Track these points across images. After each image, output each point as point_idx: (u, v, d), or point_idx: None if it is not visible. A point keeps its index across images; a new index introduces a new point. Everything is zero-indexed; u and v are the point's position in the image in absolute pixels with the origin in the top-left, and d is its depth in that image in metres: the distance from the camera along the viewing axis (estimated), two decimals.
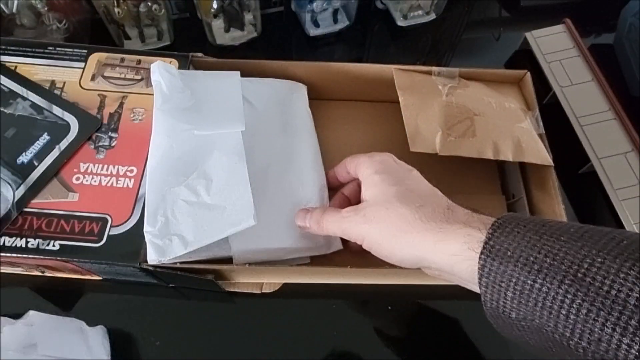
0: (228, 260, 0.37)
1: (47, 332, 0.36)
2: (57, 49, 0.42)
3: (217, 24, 0.54)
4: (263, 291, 0.42)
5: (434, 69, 0.45)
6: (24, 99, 0.39)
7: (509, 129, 0.42)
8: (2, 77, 0.40)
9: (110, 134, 0.39)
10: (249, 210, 0.34)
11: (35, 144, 0.38)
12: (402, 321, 0.44)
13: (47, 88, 0.40)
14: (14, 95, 0.39)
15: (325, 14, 0.58)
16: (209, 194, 0.36)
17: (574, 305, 0.22)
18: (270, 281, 0.42)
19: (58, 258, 0.35)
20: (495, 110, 0.43)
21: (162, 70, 0.39)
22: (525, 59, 0.57)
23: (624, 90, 0.54)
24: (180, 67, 0.42)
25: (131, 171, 0.38)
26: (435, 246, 0.29)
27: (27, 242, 0.35)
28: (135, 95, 0.41)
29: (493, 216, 0.29)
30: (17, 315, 0.37)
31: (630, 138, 0.49)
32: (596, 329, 0.21)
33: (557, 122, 0.49)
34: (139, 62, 0.42)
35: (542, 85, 0.53)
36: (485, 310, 0.27)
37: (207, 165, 0.37)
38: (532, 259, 0.24)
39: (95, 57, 0.42)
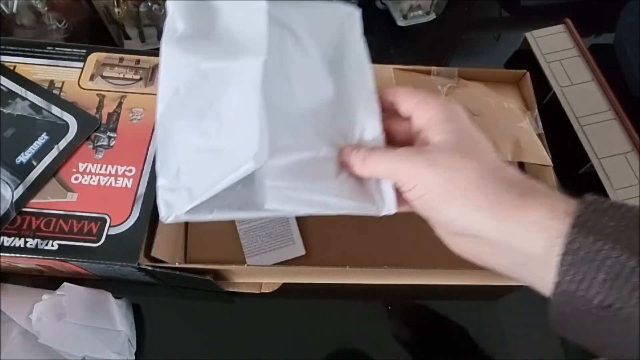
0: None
1: (75, 301, 0.37)
2: (56, 48, 0.42)
3: None
4: (262, 291, 0.42)
5: (433, 68, 0.45)
6: (23, 98, 0.39)
7: (508, 129, 0.42)
8: (1, 77, 0.40)
9: (109, 133, 0.39)
10: (251, 150, 0.27)
11: (34, 144, 0.38)
12: (402, 321, 0.44)
13: (46, 88, 0.40)
14: (12, 95, 0.39)
15: None
16: (219, 138, 0.30)
17: None
18: (269, 281, 0.42)
19: (57, 258, 0.35)
20: (494, 110, 0.43)
21: None
22: (525, 59, 0.57)
23: (624, 90, 0.54)
24: None
25: (130, 171, 0.38)
26: (510, 212, 0.25)
27: (25, 242, 0.35)
28: (134, 95, 0.41)
29: None
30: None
31: (630, 138, 0.49)
32: None
33: (557, 122, 0.49)
34: (137, 62, 0.42)
35: (542, 85, 0.53)
36: (551, 293, 0.23)
37: (220, 104, 0.30)
38: (637, 239, 0.21)
39: (94, 57, 0.42)
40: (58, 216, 0.36)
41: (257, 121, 0.28)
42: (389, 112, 0.33)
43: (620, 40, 0.58)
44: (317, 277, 0.42)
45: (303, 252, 0.41)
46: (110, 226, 0.36)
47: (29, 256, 0.35)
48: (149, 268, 0.35)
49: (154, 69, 0.42)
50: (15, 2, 0.47)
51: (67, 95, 0.40)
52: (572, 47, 0.55)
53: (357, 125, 0.33)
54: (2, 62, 0.41)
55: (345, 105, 0.34)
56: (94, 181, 0.37)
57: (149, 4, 0.50)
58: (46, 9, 0.48)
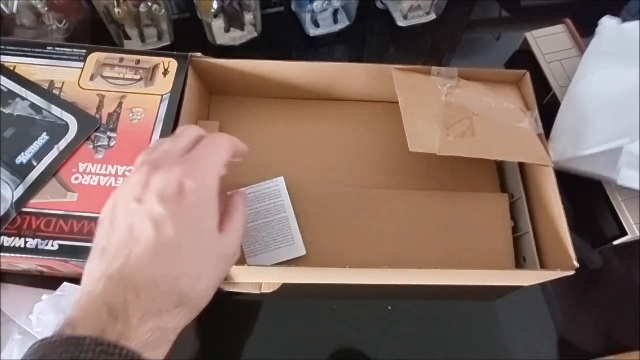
0: None
1: None
2: (56, 48, 0.42)
3: (217, 24, 0.54)
4: (262, 291, 0.42)
5: (433, 68, 0.45)
6: (23, 98, 0.39)
7: (508, 129, 0.42)
8: (1, 76, 0.40)
9: (108, 133, 0.39)
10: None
11: (34, 144, 0.38)
12: (402, 321, 0.44)
13: (46, 88, 0.40)
14: (12, 95, 0.39)
15: (325, 14, 0.58)
16: None
17: None
18: (269, 281, 0.42)
19: (57, 258, 0.35)
20: (494, 110, 0.43)
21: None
22: (525, 59, 0.57)
23: None
24: (178, 67, 0.42)
25: (130, 171, 0.38)
26: None
27: (25, 242, 0.35)
28: (133, 95, 0.41)
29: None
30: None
31: None
32: None
33: None
34: (137, 62, 0.42)
35: (542, 85, 0.53)
36: None
37: None
38: None
39: (94, 57, 0.42)
40: (58, 216, 0.36)
41: None
42: None
43: None
44: (317, 277, 0.42)
45: (303, 252, 0.41)
46: None
47: (29, 256, 0.35)
48: None
49: (154, 69, 0.42)
50: (15, 2, 0.47)
51: (67, 95, 0.40)
52: (572, 47, 0.55)
53: None
54: (2, 62, 0.41)
55: None
56: (94, 181, 0.37)
57: (149, 4, 0.50)
58: (46, 9, 0.48)
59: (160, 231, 0.27)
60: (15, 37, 0.48)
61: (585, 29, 0.56)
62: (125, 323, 0.24)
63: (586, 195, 0.49)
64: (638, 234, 0.45)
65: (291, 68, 0.45)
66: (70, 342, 0.23)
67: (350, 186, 0.46)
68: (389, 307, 0.44)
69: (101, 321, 0.24)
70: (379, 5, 0.61)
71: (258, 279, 0.42)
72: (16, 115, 0.39)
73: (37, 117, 0.39)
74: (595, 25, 0.49)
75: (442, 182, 0.47)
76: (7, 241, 0.35)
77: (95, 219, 0.36)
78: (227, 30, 0.55)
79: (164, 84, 0.41)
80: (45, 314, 0.37)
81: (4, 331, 0.38)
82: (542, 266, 0.41)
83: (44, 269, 0.39)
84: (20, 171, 0.37)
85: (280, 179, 0.42)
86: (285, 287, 0.42)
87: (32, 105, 0.39)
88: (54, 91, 0.40)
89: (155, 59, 0.42)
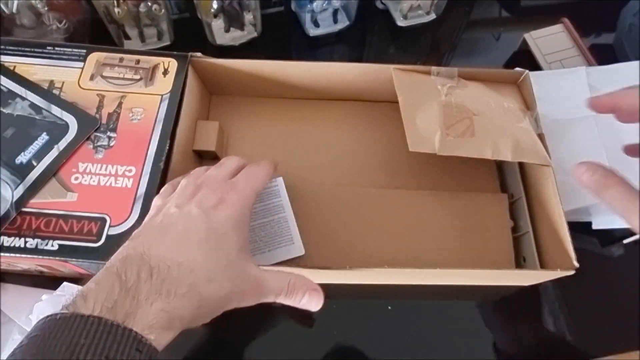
0: None
1: None
2: (56, 48, 0.42)
3: (217, 24, 0.54)
4: None
5: (433, 68, 0.45)
6: (23, 98, 0.39)
7: (508, 129, 0.42)
8: (1, 76, 0.40)
9: (108, 133, 0.39)
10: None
11: (34, 144, 0.38)
12: (402, 321, 0.44)
13: (46, 88, 0.40)
14: (12, 95, 0.39)
15: (325, 14, 0.58)
16: None
17: None
18: None
19: (57, 258, 0.35)
20: (494, 110, 0.43)
21: None
22: (525, 59, 0.57)
23: None
24: (178, 67, 0.42)
25: (130, 171, 0.38)
26: None
27: (25, 242, 0.35)
28: (134, 95, 0.41)
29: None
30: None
31: None
32: None
33: None
34: (137, 62, 0.42)
35: None
36: None
37: None
38: None
39: (94, 57, 0.42)
40: (58, 216, 0.36)
41: None
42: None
43: (620, 40, 0.58)
44: (317, 277, 0.42)
45: (302, 252, 0.41)
46: (110, 226, 0.36)
47: (29, 256, 0.35)
48: None
49: (154, 69, 0.42)
50: (15, 2, 0.47)
51: (67, 95, 0.40)
52: (572, 46, 0.55)
53: None
54: (2, 62, 0.41)
55: None
56: (94, 181, 0.37)
57: (149, 4, 0.50)
58: (46, 9, 0.48)
59: (189, 226, 0.30)
60: (15, 37, 0.48)
61: (585, 29, 0.56)
62: (134, 298, 0.25)
63: None
64: None
65: (291, 68, 0.45)
66: (74, 321, 0.24)
67: (350, 186, 0.46)
68: (389, 307, 0.44)
69: (112, 294, 0.25)
70: (379, 5, 0.61)
71: None
72: (16, 115, 0.39)
73: (37, 117, 0.39)
74: (595, 25, 0.49)
75: (442, 182, 0.47)
76: (7, 241, 0.35)
77: (95, 219, 0.36)
78: (227, 30, 0.55)
79: (164, 84, 0.41)
80: (45, 314, 0.36)
81: (4, 331, 0.38)
82: (542, 266, 0.41)
83: (44, 269, 0.39)
84: (20, 171, 0.37)
85: (280, 179, 0.42)
86: None
87: (32, 105, 0.39)
88: (54, 91, 0.40)
89: (155, 59, 0.42)
